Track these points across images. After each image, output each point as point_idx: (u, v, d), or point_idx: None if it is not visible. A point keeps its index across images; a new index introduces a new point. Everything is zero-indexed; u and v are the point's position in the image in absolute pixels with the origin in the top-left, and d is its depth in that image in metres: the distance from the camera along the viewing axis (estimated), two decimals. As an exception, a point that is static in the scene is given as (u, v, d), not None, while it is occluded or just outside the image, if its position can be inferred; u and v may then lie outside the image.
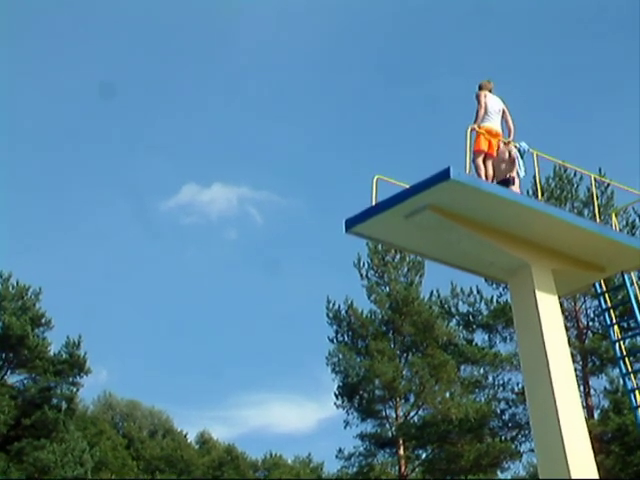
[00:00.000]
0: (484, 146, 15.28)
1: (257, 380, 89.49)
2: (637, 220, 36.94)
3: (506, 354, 39.65)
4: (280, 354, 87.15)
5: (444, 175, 13.83)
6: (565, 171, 37.82)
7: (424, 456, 44.14)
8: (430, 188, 14.04)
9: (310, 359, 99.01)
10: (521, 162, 15.70)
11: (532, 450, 37.35)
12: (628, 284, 16.92)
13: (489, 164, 15.37)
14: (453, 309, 42.36)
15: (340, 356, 43.89)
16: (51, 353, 44.16)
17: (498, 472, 42.25)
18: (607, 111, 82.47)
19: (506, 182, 15.41)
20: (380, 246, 43.22)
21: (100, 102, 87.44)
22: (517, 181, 15.55)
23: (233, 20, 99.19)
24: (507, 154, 15.66)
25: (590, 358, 38.34)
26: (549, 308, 15.12)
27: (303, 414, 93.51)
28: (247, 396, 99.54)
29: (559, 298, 15.56)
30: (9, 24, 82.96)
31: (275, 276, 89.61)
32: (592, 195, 32.94)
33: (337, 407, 43.99)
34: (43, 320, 44.50)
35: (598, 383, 38.67)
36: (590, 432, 15.29)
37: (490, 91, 15.79)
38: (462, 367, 42.52)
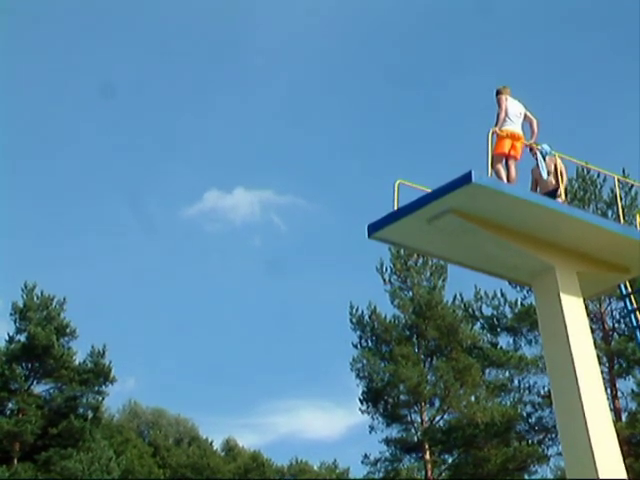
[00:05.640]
0: (506, 149, 15.23)
1: (286, 387, 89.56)
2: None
3: (531, 357, 39.49)
4: (309, 360, 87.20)
5: (466, 179, 13.78)
6: (588, 172, 37.65)
7: (450, 461, 44.01)
8: (452, 192, 13.99)
9: (339, 365, 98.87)
10: (543, 164, 15.62)
11: (559, 454, 37.13)
12: (654, 285, 16.82)
13: (512, 167, 15.31)
14: (477, 312, 42.25)
15: (364, 361, 43.83)
16: (76, 362, 44.41)
17: (525, 476, 42.05)
18: (630, 110, 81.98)
19: (553, 194, 15.31)
20: (403, 251, 43.14)
21: (111, 104, 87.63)
22: (562, 192, 15.39)
23: (249, 24, 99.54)
24: (552, 166, 15.56)
25: (617, 360, 38.10)
26: (574, 310, 15.01)
27: (332, 420, 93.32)
28: (276, 403, 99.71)
29: (584, 300, 15.46)
30: (12, 25, 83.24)
31: (280, 278, 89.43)
32: (616, 196, 32.73)
33: (362, 412, 44.00)
34: (68, 330, 44.76)
35: (625, 385, 38.51)
36: (618, 435, 15.16)
37: (509, 95, 15.71)
38: (487, 370, 42.39)
